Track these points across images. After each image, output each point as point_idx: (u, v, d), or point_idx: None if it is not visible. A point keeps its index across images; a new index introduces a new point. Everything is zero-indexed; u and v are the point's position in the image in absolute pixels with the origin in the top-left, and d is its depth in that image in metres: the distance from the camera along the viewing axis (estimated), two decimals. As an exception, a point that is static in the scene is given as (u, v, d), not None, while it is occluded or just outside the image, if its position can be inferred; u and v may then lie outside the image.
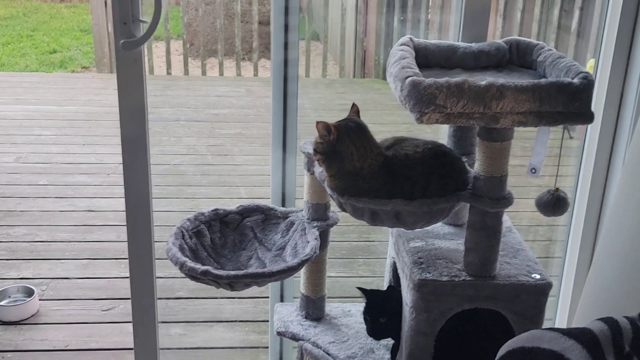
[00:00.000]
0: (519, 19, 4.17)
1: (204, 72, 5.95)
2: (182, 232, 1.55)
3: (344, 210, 1.40)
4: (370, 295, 1.58)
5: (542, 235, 3.07)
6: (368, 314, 1.57)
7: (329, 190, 1.40)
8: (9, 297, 2.63)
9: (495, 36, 4.34)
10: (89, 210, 3.50)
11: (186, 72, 5.95)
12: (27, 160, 4.16)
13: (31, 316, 2.58)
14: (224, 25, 5.92)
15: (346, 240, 3.14)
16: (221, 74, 5.94)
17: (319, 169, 1.44)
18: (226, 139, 4.61)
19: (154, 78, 5.97)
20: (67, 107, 5.17)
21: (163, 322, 2.48)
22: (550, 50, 1.45)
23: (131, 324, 1.96)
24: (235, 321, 2.60)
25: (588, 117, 1.26)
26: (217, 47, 5.85)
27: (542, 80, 1.25)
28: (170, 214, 3.43)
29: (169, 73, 5.95)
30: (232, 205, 1.66)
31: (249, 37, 6.19)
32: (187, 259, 1.44)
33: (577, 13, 3.91)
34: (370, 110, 4.90)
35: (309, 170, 1.57)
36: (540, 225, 3.06)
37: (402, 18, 5.18)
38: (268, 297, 2.07)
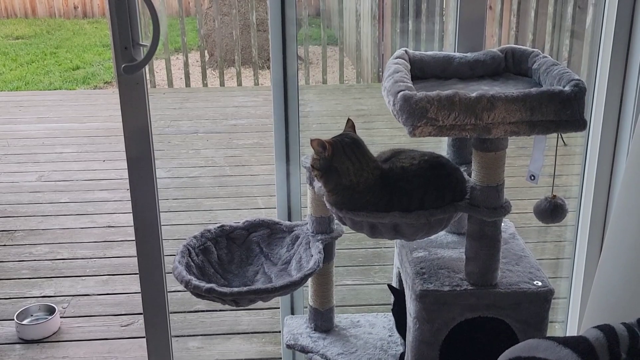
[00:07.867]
0: (532, 17, 4.15)
1: (222, 83, 6.01)
2: (188, 249, 1.57)
3: (343, 223, 1.42)
4: (397, 294, 1.63)
5: (559, 235, 3.05)
6: (396, 311, 1.63)
7: (328, 205, 1.41)
8: (31, 315, 2.68)
9: (510, 35, 4.33)
10: (109, 226, 3.56)
11: (204, 84, 6.01)
12: (49, 178, 4.24)
13: (53, 334, 2.62)
14: (240, 35, 5.98)
15: (362, 247, 3.15)
16: (239, 84, 5.99)
17: (318, 184, 1.45)
18: (244, 149, 4.64)
19: (173, 91, 6.05)
20: (88, 123, 5.26)
21: (180, 335, 2.51)
22: (545, 57, 1.45)
23: (149, 339, 2.00)
24: (253, 332, 2.63)
25: (580, 125, 1.25)
26: (235, 57, 5.91)
27: (533, 90, 1.25)
28: (188, 226, 3.47)
29: (187, 85, 6.02)
30: (239, 220, 1.68)
31: (266, 46, 6.25)
32: (192, 277, 1.46)
33: (591, 9, 3.88)
34: (387, 114, 4.89)
35: (310, 184, 1.58)
36: (553, 224, 3.03)
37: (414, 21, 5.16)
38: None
